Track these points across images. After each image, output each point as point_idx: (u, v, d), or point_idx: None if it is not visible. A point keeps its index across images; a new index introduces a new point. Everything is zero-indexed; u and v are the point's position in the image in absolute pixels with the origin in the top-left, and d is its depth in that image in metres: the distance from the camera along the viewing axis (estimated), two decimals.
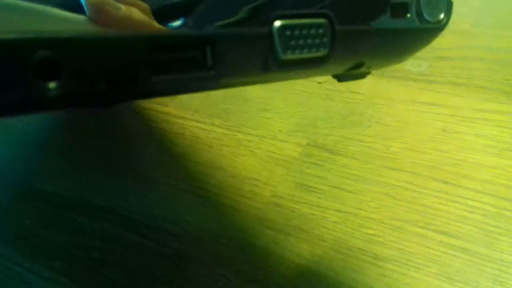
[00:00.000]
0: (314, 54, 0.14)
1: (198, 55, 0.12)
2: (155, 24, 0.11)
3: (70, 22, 0.10)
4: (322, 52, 0.14)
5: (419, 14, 0.16)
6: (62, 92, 0.10)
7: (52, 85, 0.10)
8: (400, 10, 0.16)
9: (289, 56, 0.13)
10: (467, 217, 0.22)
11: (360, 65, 0.16)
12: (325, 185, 0.24)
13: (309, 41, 0.14)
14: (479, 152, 0.25)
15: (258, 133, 0.28)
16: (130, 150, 0.28)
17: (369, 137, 0.26)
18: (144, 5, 0.11)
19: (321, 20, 0.14)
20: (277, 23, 0.13)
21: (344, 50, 0.15)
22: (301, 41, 0.13)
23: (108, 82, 0.10)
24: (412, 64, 0.31)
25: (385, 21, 0.15)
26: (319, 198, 0.24)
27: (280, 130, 0.28)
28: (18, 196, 0.27)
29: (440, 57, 0.31)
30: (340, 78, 0.18)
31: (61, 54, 0.10)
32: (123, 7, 0.11)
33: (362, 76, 0.19)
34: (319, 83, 0.31)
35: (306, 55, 0.14)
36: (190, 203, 0.24)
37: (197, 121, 0.29)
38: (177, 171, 0.26)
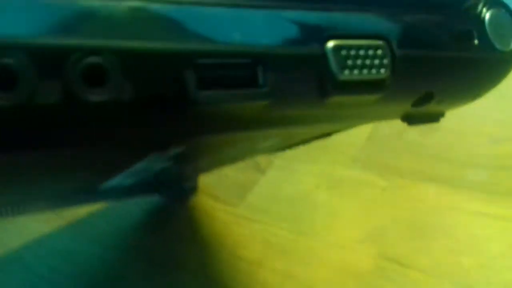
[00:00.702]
0: (374, 76, 0.13)
1: (249, 72, 0.12)
2: None
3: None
4: (382, 74, 0.13)
5: (487, 42, 0.15)
6: (106, 98, 0.10)
7: (97, 91, 0.10)
8: (465, 37, 0.15)
9: (346, 76, 0.13)
10: None
11: (428, 97, 0.15)
12: None
13: (368, 61, 0.13)
14: None
15: (327, 240, 0.29)
16: (205, 254, 0.30)
17: (438, 250, 0.27)
18: None
19: (378, 42, 0.13)
20: (331, 43, 0.12)
21: (406, 74, 0.14)
22: (358, 61, 0.13)
23: (154, 95, 0.10)
24: (473, 173, 0.32)
25: (450, 47, 0.15)
26: None
27: (349, 238, 0.29)
28: None
29: (501, 166, 0.32)
30: (409, 119, 0.17)
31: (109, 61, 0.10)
32: None
33: (434, 118, 0.18)
34: (383, 189, 0.32)
35: (365, 76, 0.13)
36: None
37: (267, 224, 0.31)
38: (250, 278, 0.27)
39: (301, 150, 0.36)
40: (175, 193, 0.33)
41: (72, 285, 0.30)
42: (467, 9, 0.15)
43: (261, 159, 0.36)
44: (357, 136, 0.36)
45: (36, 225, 0.32)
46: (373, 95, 0.13)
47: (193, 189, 0.33)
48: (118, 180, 0.23)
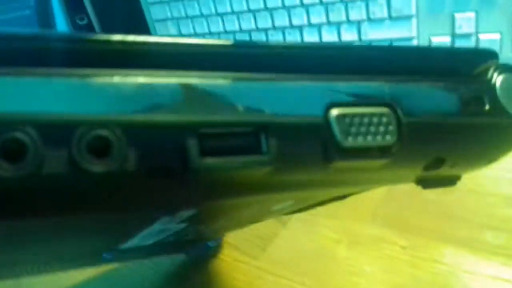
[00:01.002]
0: (379, 142, 0.13)
1: (252, 140, 0.12)
2: None
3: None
4: (388, 141, 0.13)
5: (499, 107, 0.15)
6: (110, 168, 0.10)
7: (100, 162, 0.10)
8: (475, 103, 0.15)
9: (351, 143, 0.13)
10: None
11: (439, 162, 0.15)
12: None
13: (372, 128, 0.13)
14: None
15: None
16: None
17: None
18: None
19: (383, 109, 0.13)
20: (334, 112, 0.13)
21: (414, 140, 0.14)
22: (362, 128, 0.13)
23: (157, 164, 0.11)
24: (491, 235, 0.33)
25: (459, 113, 0.14)
26: None
27: None
28: None
29: None
30: (423, 183, 0.17)
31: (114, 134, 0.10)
32: None
33: (450, 181, 0.17)
34: (403, 247, 0.33)
35: (370, 143, 0.13)
36: None
37: (288, 279, 0.31)
38: None
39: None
40: (199, 251, 0.34)
41: None
42: (477, 75, 0.15)
43: None
44: (376, 192, 0.37)
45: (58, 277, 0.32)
46: (379, 161, 0.13)
47: (217, 247, 0.34)
48: (136, 242, 0.23)
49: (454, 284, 0.30)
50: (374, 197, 0.37)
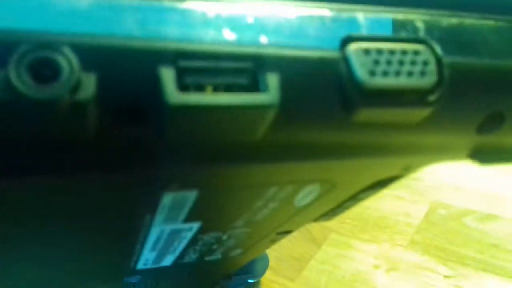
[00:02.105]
0: (414, 84, 0.10)
1: (247, 76, 0.09)
2: None
3: None
4: (427, 83, 0.10)
5: None
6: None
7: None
8: None
9: (377, 83, 0.10)
10: None
11: (498, 118, 0.12)
12: None
13: (405, 68, 0.10)
14: None
15: None
16: None
17: None
18: None
19: (416, 46, 0.11)
20: (353, 46, 0.10)
21: (461, 87, 0.11)
22: (392, 67, 0.10)
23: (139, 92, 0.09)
24: None
25: None
26: None
27: None
28: None
29: None
30: (480, 155, 0.14)
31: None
32: None
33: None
34: (446, 277, 0.32)
35: (403, 83, 0.10)
36: None
37: None
38: None
39: (357, 226, 0.36)
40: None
41: None
42: None
43: (316, 232, 0.36)
44: (413, 217, 0.36)
45: None
46: (417, 110, 0.11)
47: (257, 283, 0.32)
48: (150, 258, 0.22)
49: None
50: (412, 223, 0.36)
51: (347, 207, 0.20)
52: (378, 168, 0.15)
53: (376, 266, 0.33)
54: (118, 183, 0.11)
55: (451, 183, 0.38)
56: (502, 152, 0.14)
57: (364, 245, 0.34)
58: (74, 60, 0.08)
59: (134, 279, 0.25)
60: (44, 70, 0.08)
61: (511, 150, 0.14)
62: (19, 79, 0.08)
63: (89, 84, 0.08)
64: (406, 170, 0.16)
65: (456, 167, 0.36)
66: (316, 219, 0.21)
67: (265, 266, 0.32)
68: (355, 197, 0.18)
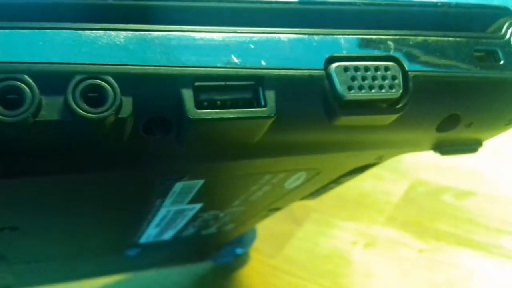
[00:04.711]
0: (385, 95, 0.13)
1: (250, 93, 0.12)
2: None
3: None
4: (394, 93, 0.13)
5: None
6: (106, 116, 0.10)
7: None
8: (488, 57, 0.14)
9: (354, 96, 0.12)
10: None
11: (454, 120, 0.15)
12: None
13: (377, 82, 0.13)
14: None
15: None
16: None
17: None
18: None
19: (388, 63, 0.13)
20: (335, 65, 0.12)
21: (424, 95, 0.13)
22: (366, 82, 0.12)
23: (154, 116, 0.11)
24: (506, 240, 0.33)
25: (472, 68, 0.14)
26: None
27: None
28: None
29: None
30: (441, 148, 0.16)
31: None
32: None
33: (470, 147, 0.17)
34: (420, 251, 0.33)
35: (375, 96, 0.13)
36: None
37: (306, 280, 0.31)
38: None
39: (337, 205, 0.37)
40: (227, 259, 0.33)
41: None
42: (492, 31, 0.15)
43: (298, 211, 0.37)
44: (393, 195, 0.37)
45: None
46: (386, 116, 0.13)
47: (246, 255, 0.34)
48: (153, 234, 0.23)
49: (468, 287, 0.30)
50: (391, 200, 0.36)
51: (330, 188, 0.22)
52: (355, 158, 0.19)
53: (354, 243, 0.34)
54: (145, 177, 0.15)
55: (431, 162, 0.39)
56: (459, 145, 0.16)
57: (344, 223, 0.35)
58: (116, 87, 0.10)
59: (133, 252, 0.26)
60: (93, 94, 0.10)
61: (467, 144, 0.16)
62: (75, 103, 0.10)
63: (128, 105, 0.11)
64: (380, 159, 0.19)
65: None
66: (302, 198, 0.24)
67: (253, 238, 0.33)
68: (337, 181, 0.21)
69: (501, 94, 0.15)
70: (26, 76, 0.10)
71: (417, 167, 0.39)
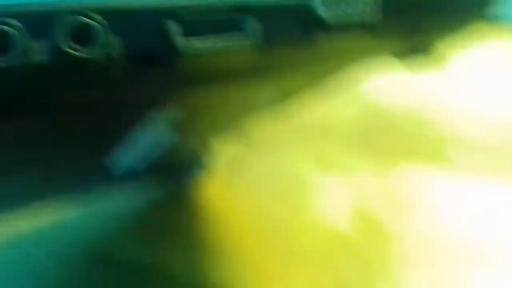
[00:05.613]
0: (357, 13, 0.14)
1: (235, 21, 0.12)
2: None
3: None
4: (370, 15, 0.14)
5: None
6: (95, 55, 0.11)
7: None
8: None
9: (332, 17, 0.14)
10: None
11: (416, 29, 0.16)
12: None
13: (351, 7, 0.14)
14: None
15: (319, 217, 0.30)
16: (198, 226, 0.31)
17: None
18: None
19: None
20: None
21: (391, 10, 0.15)
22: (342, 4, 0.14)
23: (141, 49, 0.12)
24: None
25: None
26: None
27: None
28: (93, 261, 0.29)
29: None
30: (399, 54, 0.18)
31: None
32: None
33: (424, 48, 0.18)
34: (374, 168, 0.33)
35: (349, 15, 0.14)
36: None
37: (261, 199, 0.32)
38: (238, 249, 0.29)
39: (297, 131, 0.37)
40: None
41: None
42: None
43: (252, 133, 0.36)
44: (353, 122, 0.37)
45: None
46: (360, 31, 0.14)
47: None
48: (128, 159, 0.23)
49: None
50: (352, 127, 0.37)
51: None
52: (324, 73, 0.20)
53: (312, 167, 0.34)
54: (138, 102, 0.16)
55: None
56: (416, 49, 0.18)
57: (298, 145, 0.36)
58: (105, 24, 0.11)
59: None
60: (81, 33, 0.11)
61: (423, 47, 0.18)
62: (65, 44, 0.10)
63: (116, 42, 0.11)
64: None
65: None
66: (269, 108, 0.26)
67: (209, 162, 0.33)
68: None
69: None
70: (13, 19, 0.10)
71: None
